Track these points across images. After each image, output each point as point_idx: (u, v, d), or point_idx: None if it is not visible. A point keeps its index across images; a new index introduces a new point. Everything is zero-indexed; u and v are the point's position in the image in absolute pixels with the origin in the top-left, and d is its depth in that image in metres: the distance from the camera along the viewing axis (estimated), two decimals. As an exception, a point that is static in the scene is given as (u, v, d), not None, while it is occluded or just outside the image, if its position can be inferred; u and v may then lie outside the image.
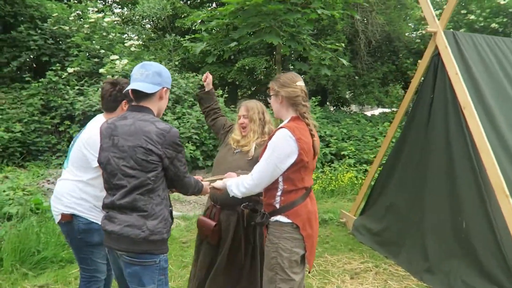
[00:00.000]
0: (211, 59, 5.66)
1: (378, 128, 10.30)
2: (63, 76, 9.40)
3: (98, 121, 2.42)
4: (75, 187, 2.40)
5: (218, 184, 2.32)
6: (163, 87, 2.00)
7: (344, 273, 3.95)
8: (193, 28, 13.01)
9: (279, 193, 2.11)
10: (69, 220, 2.39)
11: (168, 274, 2.03)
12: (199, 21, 9.73)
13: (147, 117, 1.91)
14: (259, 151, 2.73)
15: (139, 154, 1.85)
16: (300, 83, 2.17)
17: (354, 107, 17.78)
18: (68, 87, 9.24)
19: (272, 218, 2.14)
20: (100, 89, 2.52)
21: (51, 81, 9.25)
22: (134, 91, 1.94)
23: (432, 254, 3.78)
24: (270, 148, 2.06)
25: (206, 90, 3.15)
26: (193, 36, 5.92)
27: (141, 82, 1.93)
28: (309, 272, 2.33)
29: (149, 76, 1.94)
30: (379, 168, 5.26)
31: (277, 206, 2.12)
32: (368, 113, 14.05)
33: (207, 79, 3.11)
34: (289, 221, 2.10)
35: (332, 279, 3.81)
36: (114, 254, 1.99)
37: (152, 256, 1.89)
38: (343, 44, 5.99)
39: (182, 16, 13.25)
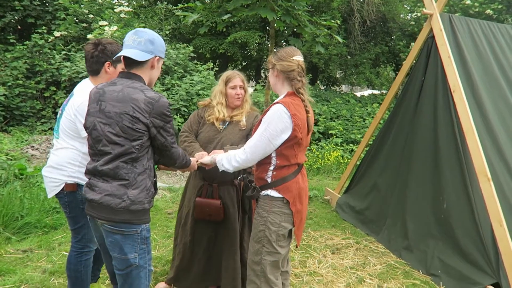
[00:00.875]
0: (203, 30, 5.53)
1: (367, 109, 10.36)
2: (49, 40, 9.12)
3: (86, 86, 2.34)
4: (76, 155, 2.32)
5: (206, 159, 2.31)
6: (155, 56, 1.94)
7: (325, 248, 4.04)
8: (186, -3, 12.69)
9: (271, 167, 2.11)
10: (72, 190, 2.33)
11: (151, 243, 2.02)
12: (192, -10, 9.45)
13: (136, 85, 1.86)
14: (251, 121, 2.74)
15: (125, 121, 1.81)
16: (298, 57, 2.14)
17: (344, 88, 17.79)
18: (54, 51, 8.98)
19: (263, 192, 2.15)
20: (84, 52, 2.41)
21: (37, 44, 8.97)
22: (126, 57, 1.89)
23: (411, 233, 3.88)
24: (264, 123, 2.05)
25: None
26: (185, 5, 5.77)
27: (132, 49, 1.87)
28: (296, 247, 2.38)
29: (141, 43, 1.88)
30: (365, 149, 5.31)
31: (269, 180, 2.13)
32: (358, 94, 14.09)
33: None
34: (280, 195, 2.11)
35: (314, 253, 3.90)
36: (96, 222, 1.97)
37: (132, 225, 1.87)
38: (338, 21, 5.92)
39: (175, -16, 12.86)
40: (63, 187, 2.34)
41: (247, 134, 2.70)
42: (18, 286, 2.94)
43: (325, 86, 15.68)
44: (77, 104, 2.28)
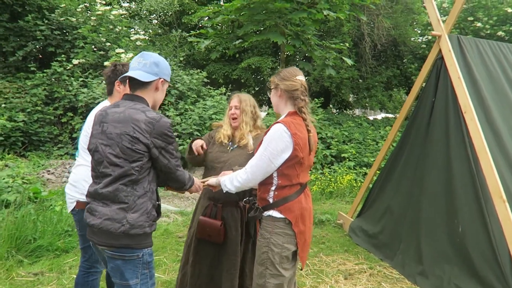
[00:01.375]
0: (214, 55, 5.68)
1: (380, 132, 10.29)
2: (68, 68, 9.44)
3: (103, 106, 2.44)
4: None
5: (212, 181, 2.32)
6: (160, 78, 1.96)
7: (338, 273, 3.94)
8: (200, 25, 13.04)
9: (273, 188, 2.10)
10: (82, 208, 2.33)
11: (153, 267, 1.98)
12: (206, 18, 9.74)
13: (138, 106, 1.88)
14: (256, 143, 2.73)
15: (125, 142, 1.80)
16: (300, 77, 2.17)
17: (357, 111, 17.78)
18: (72, 78, 9.28)
19: (265, 212, 2.13)
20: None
21: (56, 72, 9.29)
22: (131, 79, 1.93)
23: (426, 258, 3.77)
24: (265, 143, 2.06)
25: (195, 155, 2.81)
26: (198, 31, 5.94)
27: (137, 70, 1.92)
28: (301, 269, 2.31)
29: (147, 65, 1.92)
30: (377, 171, 5.25)
31: (270, 200, 2.11)
32: (371, 118, 14.05)
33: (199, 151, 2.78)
34: (282, 216, 2.09)
35: (326, 279, 3.80)
36: (97, 247, 1.94)
37: (133, 250, 1.82)
38: (347, 44, 5.99)
39: (190, 12, 13.27)
40: (75, 205, 2.38)
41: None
42: (27, 309, 2.94)
43: (337, 110, 15.69)
44: (90, 122, 2.36)
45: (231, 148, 2.74)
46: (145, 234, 1.86)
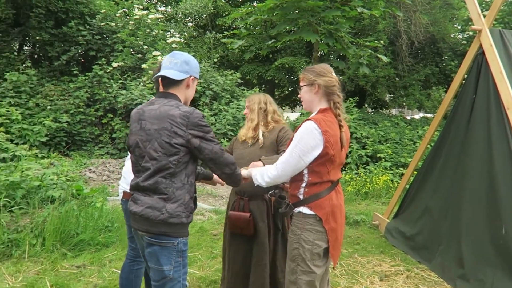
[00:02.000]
0: (248, 55, 5.75)
1: (418, 132, 9.98)
2: (108, 70, 9.83)
3: None
4: None
5: (244, 173, 2.34)
6: (190, 76, 2.06)
7: (373, 274, 3.87)
8: (233, 26, 13.18)
9: (303, 184, 2.10)
10: (128, 198, 2.47)
11: (187, 257, 2.06)
12: (239, 19, 9.85)
13: (172, 103, 1.98)
14: (270, 138, 2.82)
15: (163, 137, 1.90)
16: (334, 74, 2.17)
17: (394, 111, 17.33)
18: (112, 80, 9.65)
19: (296, 209, 2.13)
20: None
21: (97, 74, 9.70)
22: (163, 78, 2.02)
23: (467, 261, 3.62)
24: (295, 140, 2.06)
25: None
26: (231, 32, 6.02)
27: (169, 69, 2.01)
28: (333, 268, 2.28)
29: (178, 64, 2.02)
30: (415, 172, 5.11)
31: (301, 197, 2.11)
32: (408, 117, 13.66)
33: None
34: (312, 213, 2.08)
35: (361, 279, 3.74)
36: (138, 233, 2.06)
37: (169, 238, 1.92)
38: (382, 42, 5.88)
39: (223, 14, 13.45)
40: (123, 194, 2.50)
41: (267, 150, 2.77)
42: (70, 299, 3.10)
43: (373, 110, 15.37)
44: None
45: (250, 144, 2.88)
46: (182, 224, 1.95)
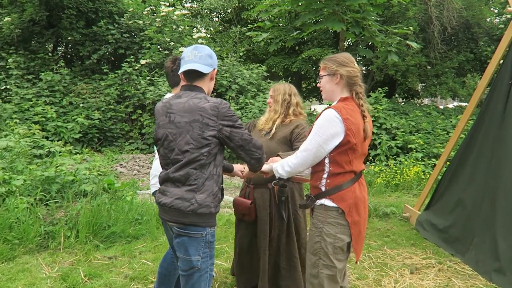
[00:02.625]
0: (273, 47, 5.68)
1: (451, 121, 9.64)
2: (136, 68, 10.03)
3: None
4: None
5: (265, 167, 2.33)
6: (214, 69, 2.12)
7: (403, 267, 3.78)
8: (258, 19, 13.13)
9: (325, 175, 2.06)
10: None
11: (214, 249, 2.09)
12: (263, 11, 9.80)
13: (200, 95, 2.01)
14: (284, 131, 2.82)
15: (195, 129, 1.92)
16: (356, 64, 2.11)
17: (426, 101, 16.79)
18: (140, 77, 9.85)
19: (318, 201, 2.09)
20: (164, 68, 2.72)
21: (126, 72, 9.93)
22: (189, 71, 2.04)
23: (503, 254, 3.47)
24: (315, 128, 2.03)
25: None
26: (255, 25, 5.98)
27: (195, 63, 2.02)
28: (356, 262, 2.23)
29: (202, 57, 2.04)
30: (447, 162, 4.93)
31: (323, 189, 2.07)
32: (442, 107, 13.19)
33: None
34: (334, 205, 2.03)
35: (390, 272, 3.66)
36: (167, 224, 2.11)
37: (198, 228, 1.96)
38: (411, 28, 5.67)
39: (249, 8, 13.42)
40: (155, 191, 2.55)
41: (284, 140, 2.79)
42: (103, 289, 3.20)
43: (404, 100, 14.94)
44: None
45: (265, 133, 2.91)
46: (210, 214, 1.98)
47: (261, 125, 2.95)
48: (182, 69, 2.07)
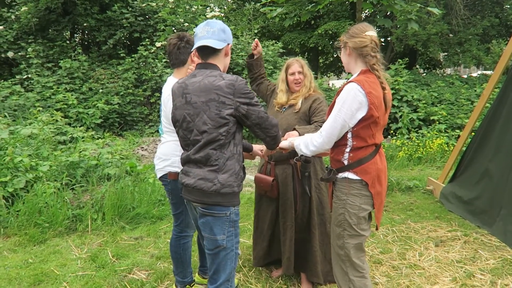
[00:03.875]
0: (288, 22, 5.56)
1: (475, 90, 9.32)
2: (152, 51, 10.03)
3: (170, 82, 2.53)
4: (178, 147, 2.46)
5: (284, 144, 2.30)
6: (228, 44, 2.05)
7: (428, 240, 3.73)
8: (273, -5, 12.85)
9: (348, 149, 2.03)
10: (174, 178, 2.55)
11: (239, 227, 2.09)
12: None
13: (215, 73, 1.95)
14: (305, 105, 2.77)
15: (212, 109, 1.88)
16: (371, 33, 2.01)
17: (449, 71, 16.23)
18: (156, 60, 9.85)
19: (340, 174, 2.07)
20: (167, 46, 2.58)
21: (142, 55, 9.95)
22: (202, 48, 1.98)
23: (532, 224, 3.38)
24: (338, 103, 1.97)
25: (255, 57, 3.07)
26: (270, 0, 5.84)
27: (208, 39, 1.96)
28: (376, 229, 2.21)
29: (215, 33, 1.97)
30: (472, 133, 4.78)
31: (345, 162, 2.04)
32: (465, 76, 12.74)
33: (257, 47, 3.02)
34: (358, 178, 2.02)
35: (415, 245, 3.63)
36: (191, 204, 2.12)
37: (222, 208, 1.95)
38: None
39: (262, -17, 13.13)
40: (168, 175, 2.56)
41: (304, 116, 2.74)
42: (130, 268, 3.29)
43: (425, 70, 14.50)
44: (165, 100, 2.47)
45: (283, 110, 2.84)
46: (233, 193, 1.98)
47: (277, 106, 2.87)
48: (195, 46, 2.02)
